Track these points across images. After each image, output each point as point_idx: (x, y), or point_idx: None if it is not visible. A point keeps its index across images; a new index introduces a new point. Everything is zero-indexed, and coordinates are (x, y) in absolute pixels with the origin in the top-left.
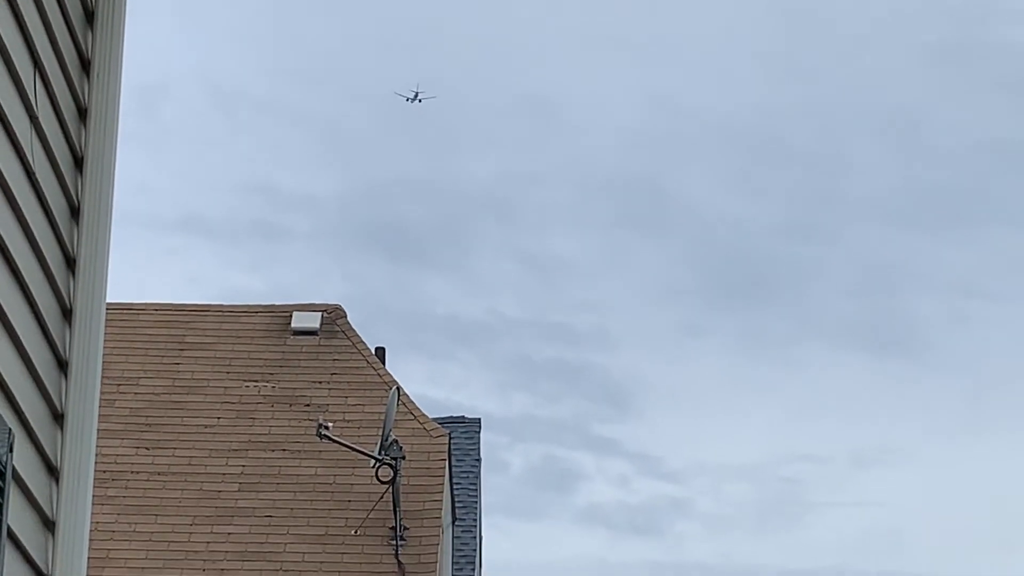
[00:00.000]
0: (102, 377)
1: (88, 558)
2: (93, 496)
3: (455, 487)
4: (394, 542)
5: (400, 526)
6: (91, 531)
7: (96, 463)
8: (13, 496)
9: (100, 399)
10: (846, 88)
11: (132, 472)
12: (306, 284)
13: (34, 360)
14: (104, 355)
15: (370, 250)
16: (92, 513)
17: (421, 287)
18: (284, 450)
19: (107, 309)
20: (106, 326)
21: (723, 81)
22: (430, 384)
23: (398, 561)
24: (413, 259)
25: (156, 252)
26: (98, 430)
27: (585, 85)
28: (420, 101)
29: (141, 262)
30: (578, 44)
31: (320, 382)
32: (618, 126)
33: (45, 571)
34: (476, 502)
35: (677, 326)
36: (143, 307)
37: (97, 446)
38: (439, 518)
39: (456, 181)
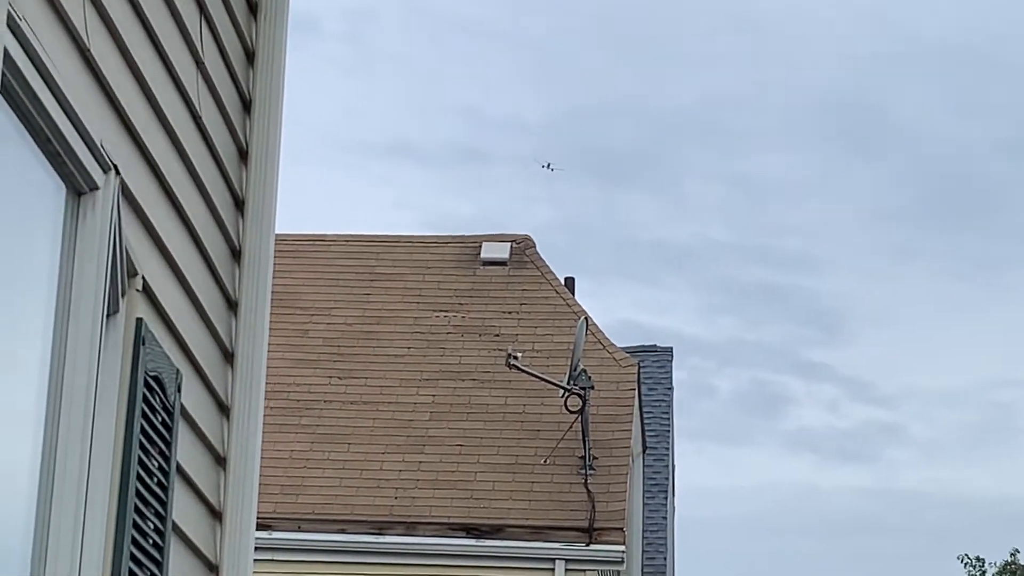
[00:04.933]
0: (295, 308)
1: (281, 487)
2: (287, 425)
3: (646, 416)
4: (583, 471)
5: (589, 455)
6: (286, 460)
7: (290, 393)
8: (182, 434)
9: (293, 329)
10: None
11: (325, 401)
12: (512, 209)
13: (203, 301)
14: (296, 286)
15: (577, 174)
16: (287, 442)
17: (628, 211)
18: (474, 380)
19: (299, 241)
20: (299, 258)
21: None
22: (637, 309)
23: (587, 490)
24: (620, 183)
25: (365, 178)
26: (292, 360)
27: (797, 2)
28: (552, 170)
29: (350, 189)
30: None
31: (509, 312)
32: (831, 44)
33: (217, 507)
34: (668, 430)
35: (889, 248)
36: (335, 238)
37: (291, 376)
38: (628, 447)
39: (665, 103)
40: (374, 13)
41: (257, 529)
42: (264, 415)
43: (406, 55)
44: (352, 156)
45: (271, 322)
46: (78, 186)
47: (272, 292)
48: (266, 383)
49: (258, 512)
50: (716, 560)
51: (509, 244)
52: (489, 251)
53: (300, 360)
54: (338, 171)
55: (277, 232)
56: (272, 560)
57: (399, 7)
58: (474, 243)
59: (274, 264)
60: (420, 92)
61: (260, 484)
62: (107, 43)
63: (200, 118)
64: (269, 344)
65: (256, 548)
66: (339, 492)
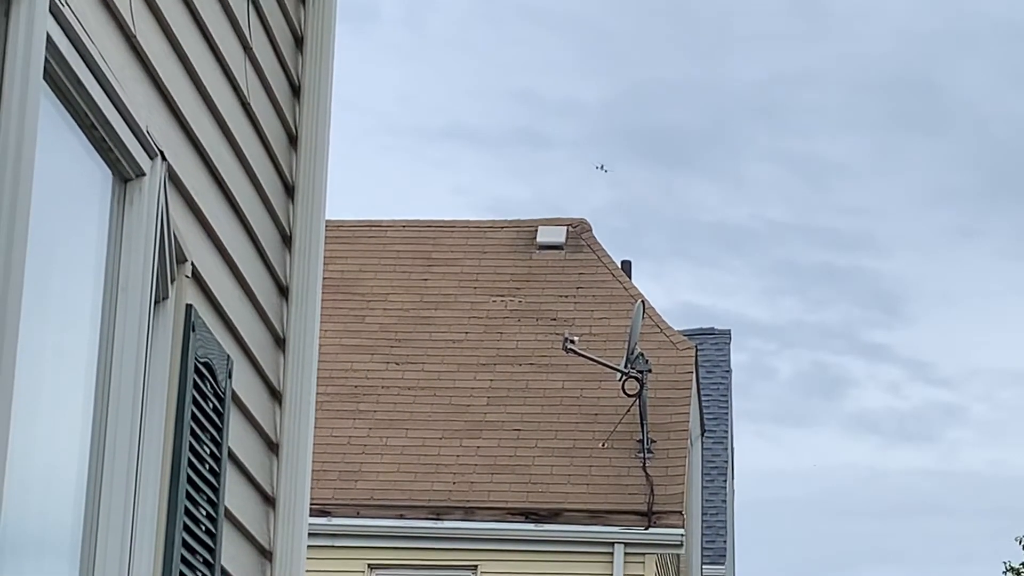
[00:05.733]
0: (352, 294)
1: (339, 472)
2: (345, 411)
3: (704, 399)
4: (641, 455)
5: (647, 439)
6: (344, 446)
7: (347, 379)
8: (233, 420)
9: (351, 315)
10: None
11: (383, 387)
12: (570, 192)
13: (253, 287)
14: (353, 273)
15: (635, 156)
16: (345, 428)
17: (686, 192)
18: (531, 364)
19: (356, 227)
20: (355, 244)
21: None
22: (697, 291)
23: (646, 473)
24: (678, 164)
25: (423, 163)
26: (349, 346)
27: None
28: (606, 171)
29: (408, 174)
30: None
31: (566, 296)
32: (892, 24)
33: (270, 493)
34: (727, 413)
35: (950, 228)
36: (391, 224)
37: (348, 362)
38: (686, 430)
39: (723, 83)
40: None
41: (316, 515)
42: (322, 401)
43: (463, 39)
44: (410, 141)
45: (328, 308)
46: (124, 173)
47: (329, 278)
48: (324, 369)
49: (317, 498)
50: (776, 542)
51: (565, 228)
52: (545, 235)
53: (357, 346)
54: (396, 156)
55: (333, 218)
56: (331, 546)
57: None
58: (530, 227)
59: (331, 250)
60: (477, 76)
61: (318, 470)
62: (153, 28)
63: (248, 103)
64: (326, 331)
65: (315, 534)
66: (397, 478)
